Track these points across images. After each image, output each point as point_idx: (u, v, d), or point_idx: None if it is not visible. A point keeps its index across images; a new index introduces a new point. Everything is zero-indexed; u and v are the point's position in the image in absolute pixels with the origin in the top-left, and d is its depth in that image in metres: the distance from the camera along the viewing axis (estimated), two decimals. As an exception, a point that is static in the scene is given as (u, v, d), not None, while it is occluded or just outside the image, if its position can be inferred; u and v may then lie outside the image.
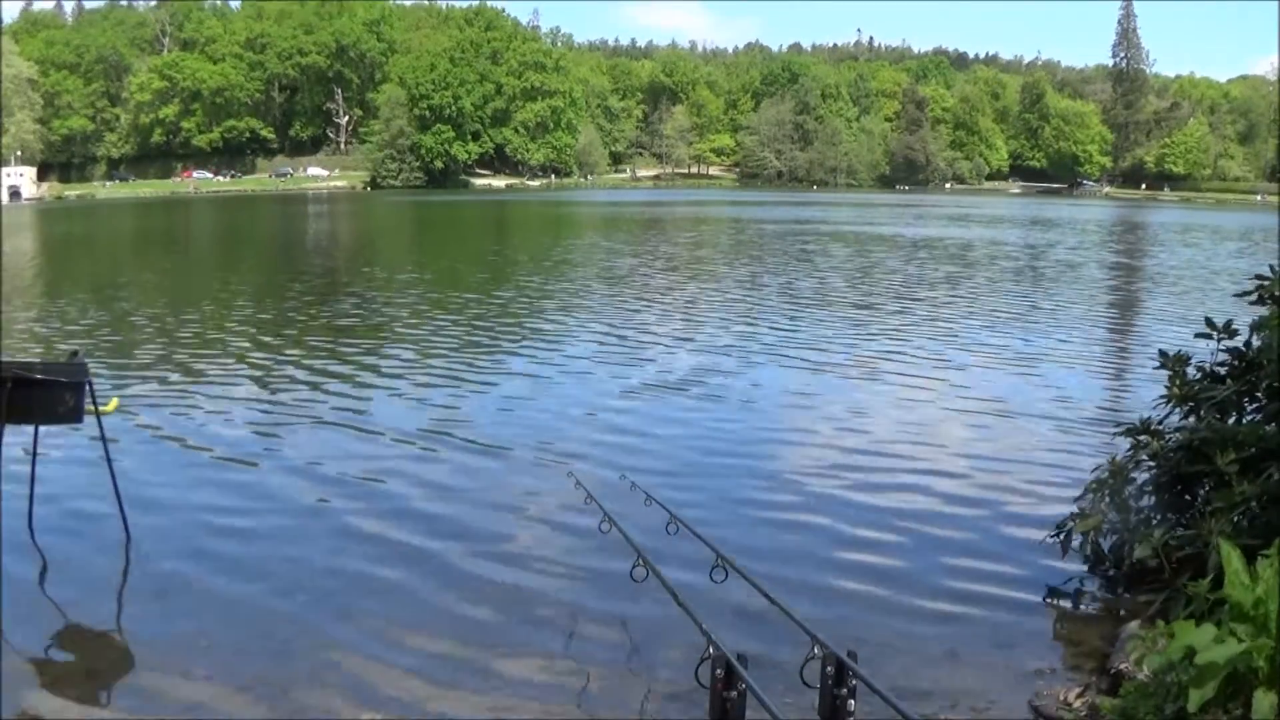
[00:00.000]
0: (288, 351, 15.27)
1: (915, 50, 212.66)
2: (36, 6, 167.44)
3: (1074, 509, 6.72)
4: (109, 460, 6.99)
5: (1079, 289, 25.10)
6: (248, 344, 15.87)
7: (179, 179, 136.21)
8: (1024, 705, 5.06)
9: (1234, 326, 6.53)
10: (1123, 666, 4.95)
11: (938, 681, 5.33)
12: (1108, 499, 6.49)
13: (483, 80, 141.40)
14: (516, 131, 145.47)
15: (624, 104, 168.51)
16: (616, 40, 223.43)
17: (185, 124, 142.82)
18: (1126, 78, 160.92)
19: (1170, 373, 6.67)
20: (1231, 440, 5.80)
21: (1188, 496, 6.36)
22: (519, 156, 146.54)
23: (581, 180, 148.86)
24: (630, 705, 5.10)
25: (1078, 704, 4.97)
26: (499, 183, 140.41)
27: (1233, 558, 3.61)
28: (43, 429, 7.22)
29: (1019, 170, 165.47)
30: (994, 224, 58.91)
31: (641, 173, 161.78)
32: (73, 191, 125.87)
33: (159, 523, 7.57)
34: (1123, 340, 17.90)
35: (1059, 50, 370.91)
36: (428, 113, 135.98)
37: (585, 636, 5.84)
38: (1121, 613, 6.10)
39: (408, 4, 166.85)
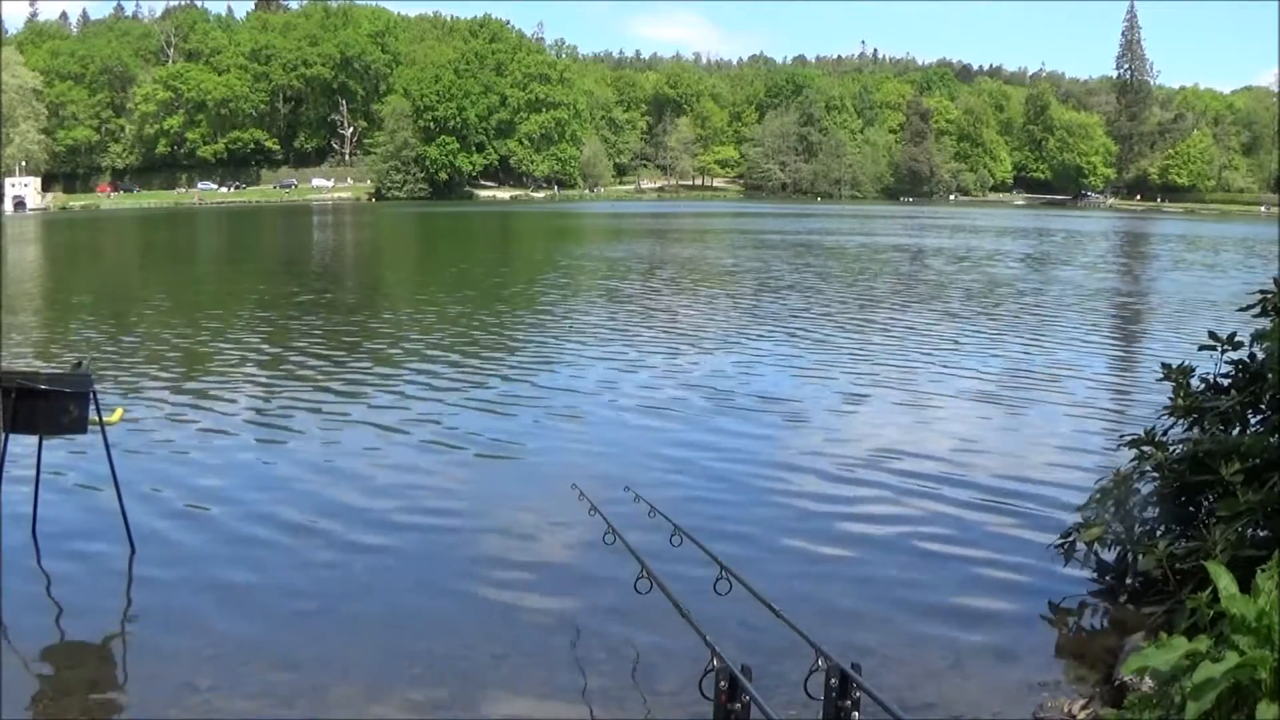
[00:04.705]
0: (292, 362, 15.28)
1: (919, 62, 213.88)
2: (42, 17, 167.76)
3: (1077, 519, 6.72)
4: (113, 471, 6.98)
5: (1081, 301, 25.05)
6: (253, 354, 15.89)
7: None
8: (1028, 717, 5.05)
9: (1237, 338, 6.54)
10: (1126, 678, 4.94)
11: (941, 693, 5.32)
12: (1112, 509, 6.49)
13: (487, 92, 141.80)
14: (521, 143, 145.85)
15: (628, 116, 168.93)
16: (620, 52, 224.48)
17: (190, 135, 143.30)
18: (1130, 89, 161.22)
19: (1174, 384, 6.67)
20: (1235, 451, 5.80)
21: (1191, 508, 6.36)
22: (523, 168, 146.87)
23: (586, 192, 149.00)
24: (633, 717, 5.10)
25: (1082, 716, 4.96)
26: (503, 194, 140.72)
27: (1220, 574, 3.61)
28: (47, 439, 7.23)
29: (1023, 182, 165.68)
30: (998, 235, 58.97)
31: (646, 185, 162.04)
32: (77, 202, 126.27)
33: (163, 533, 7.57)
34: (1126, 352, 17.89)
35: (1063, 62, 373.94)
36: (432, 124, 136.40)
37: (588, 648, 5.84)
38: (1126, 624, 6.09)
39: (412, 15, 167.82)
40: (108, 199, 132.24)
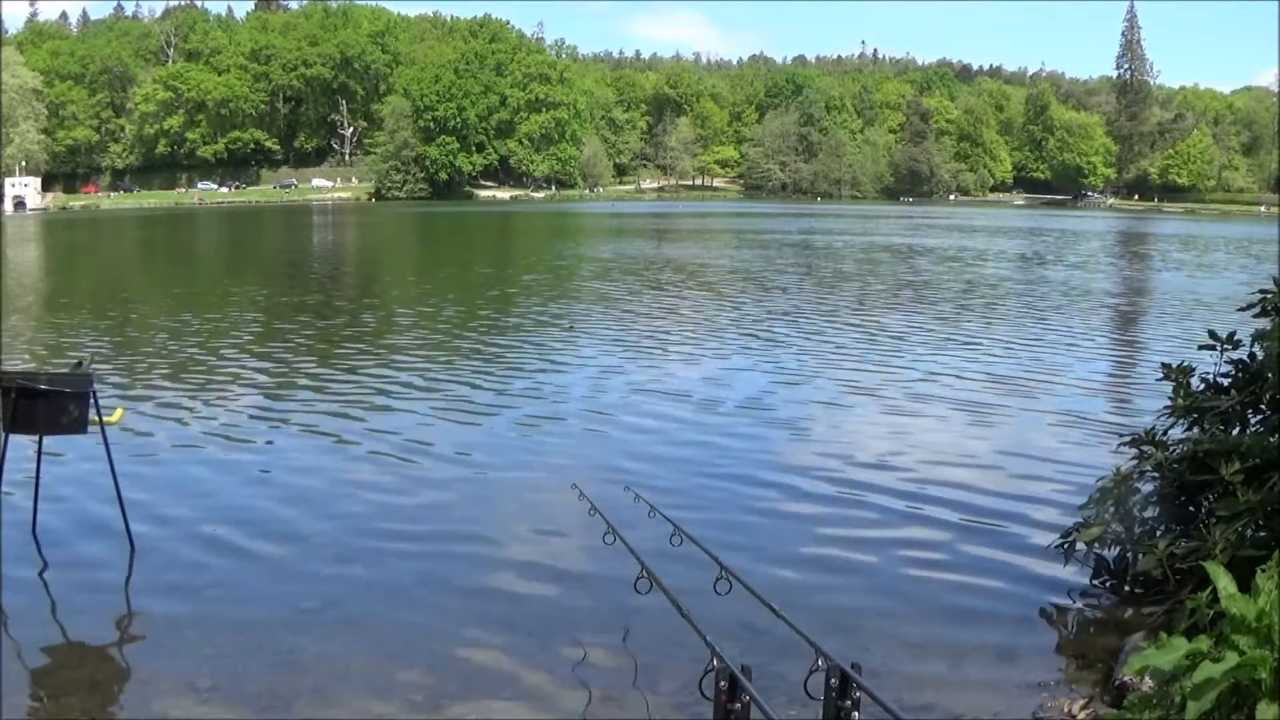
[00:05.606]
0: (292, 363, 15.29)
1: (919, 62, 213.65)
2: (42, 17, 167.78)
3: (1077, 519, 6.72)
4: (113, 470, 6.98)
5: (1079, 303, 25.03)
6: (252, 355, 15.88)
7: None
8: (1028, 717, 5.05)
9: (1237, 338, 6.53)
10: (1127, 678, 4.94)
11: (942, 693, 5.32)
12: (1112, 509, 6.48)
13: (487, 92, 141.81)
14: (521, 143, 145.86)
15: (628, 116, 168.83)
16: (620, 52, 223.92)
17: (190, 135, 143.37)
18: (1130, 89, 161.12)
19: (1174, 384, 6.66)
20: (1235, 451, 5.79)
21: (1191, 507, 6.36)
22: (523, 168, 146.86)
23: (586, 192, 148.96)
24: (633, 717, 5.09)
25: (1082, 716, 4.96)
26: (503, 194, 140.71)
27: (1220, 574, 3.61)
28: (47, 439, 7.23)
29: (1023, 182, 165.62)
30: (991, 235, 58.98)
31: (646, 185, 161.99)
32: (77, 202, 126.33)
33: (163, 533, 7.57)
34: (1125, 353, 17.87)
35: (1063, 62, 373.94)
36: (432, 124, 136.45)
37: (588, 648, 5.83)
38: (1126, 623, 6.08)
39: (412, 16, 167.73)
40: (107, 199, 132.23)
